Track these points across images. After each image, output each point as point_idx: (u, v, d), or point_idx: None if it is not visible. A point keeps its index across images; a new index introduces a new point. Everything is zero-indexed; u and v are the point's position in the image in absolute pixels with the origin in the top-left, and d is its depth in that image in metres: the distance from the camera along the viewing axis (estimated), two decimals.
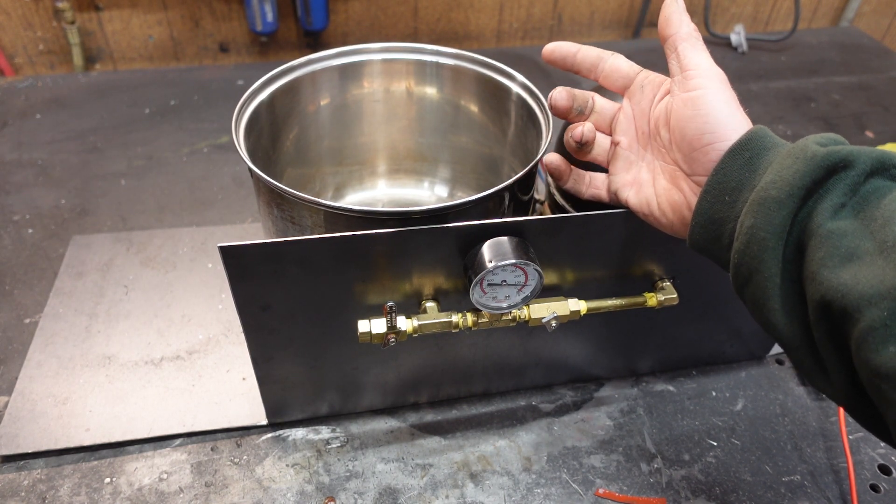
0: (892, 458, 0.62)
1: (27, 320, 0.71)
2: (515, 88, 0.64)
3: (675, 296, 0.56)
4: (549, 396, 0.66)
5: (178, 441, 0.60)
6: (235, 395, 0.63)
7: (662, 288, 0.57)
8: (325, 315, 0.52)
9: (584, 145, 0.50)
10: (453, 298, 0.53)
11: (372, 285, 0.50)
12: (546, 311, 0.53)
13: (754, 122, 0.42)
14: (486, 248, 0.48)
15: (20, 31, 1.22)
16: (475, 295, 0.49)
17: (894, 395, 0.31)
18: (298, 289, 0.49)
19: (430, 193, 0.79)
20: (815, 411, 0.66)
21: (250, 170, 0.52)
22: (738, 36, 1.32)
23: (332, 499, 0.57)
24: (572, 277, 0.55)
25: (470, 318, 0.52)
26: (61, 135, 0.99)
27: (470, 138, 0.73)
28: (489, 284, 0.49)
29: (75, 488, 0.56)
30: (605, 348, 0.64)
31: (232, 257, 0.45)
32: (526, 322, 0.53)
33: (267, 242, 0.45)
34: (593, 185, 0.53)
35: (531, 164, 0.53)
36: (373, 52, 0.68)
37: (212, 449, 0.60)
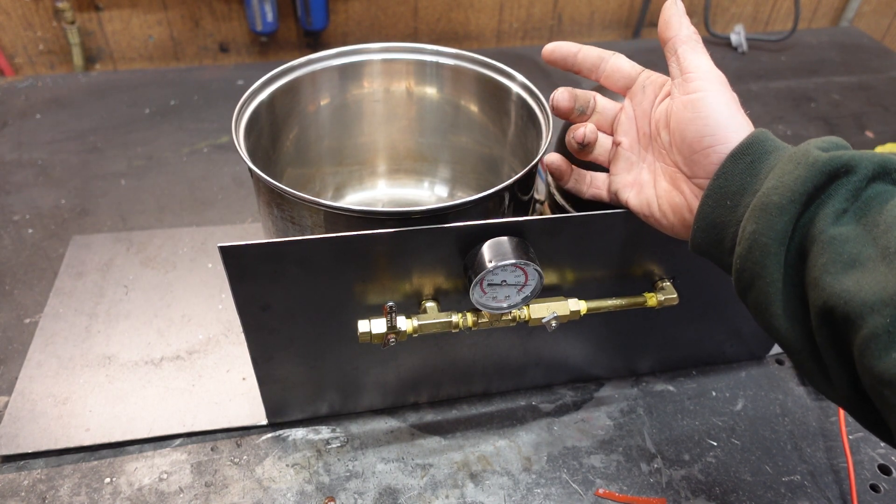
0: (892, 458, 0.62)
1: (27, 320, 0.71)
2: (515, 88, 0.64)
3: (675, 296, 0.56)
4: (549, 396, 0.66)
5: (178, 441, 0.60)
6: (235, 395, 0.63)
7: (662, 288, 0.57)
8: (325, 315, 0.52)
9: (586, 146, 0.50)
10: (453, 298, 0.53)
11: (372, 285, 0.50)
12: (546, 311, 0.53)
13: (754, 122, 0.42)
14: (486, 248, 0.48)
15: (20, 31, 1.22)
16: (475, 295, 0.49)
17: None
18: (298, 289, 0.49)
19: (430, 193, 0.79)
20: (815, 411, 0.66)
21: (250, 170, 0.52)
22: (738, 36, 1.32)
23: (332, 499, 0.57)
24: (572, 277, 0.55)
25: (470, 318, 0.52)
26: (61, 135, 0.99)
27: (470, 138, 0.73)
28: (489, 284, 0.49)
29: (75, 488, 0.56)
30: (605, 348, 0.64)
31: (232, 257, 0.45)
32: (526, 322, 0.53)
33: (267, 242, 0.45)
34: (594, 184, 0.53)
35: (531, 164, 0.53)
36: (373, 52, 0.68)
37: (212, 449, 0.60)
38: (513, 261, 0.47)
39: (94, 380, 0.64)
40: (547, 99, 0.52)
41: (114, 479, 0.57)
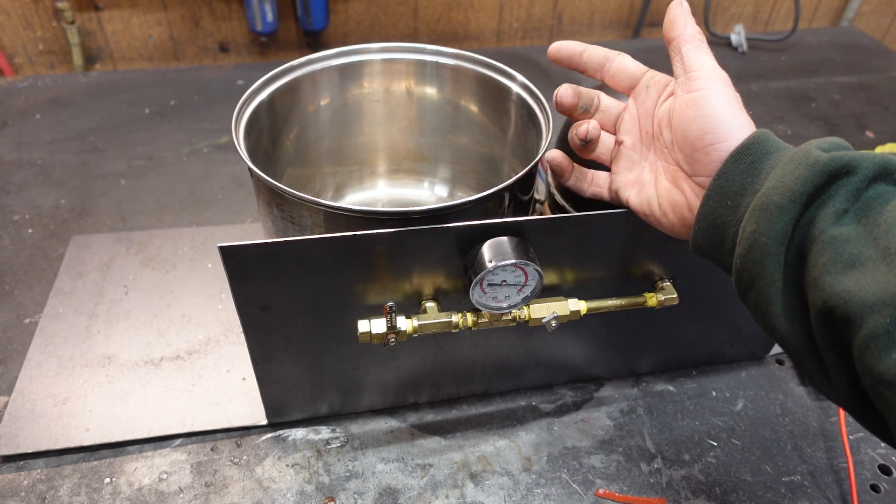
0: (893, 458, 0.62)
1: (27, 320, 0.71)
2: (515, 88, 0.64)
3: (675, 296, 0.56)
4: (549, 396, 0.66)
5: (178, 441, 0.60)
6: (235, 395, 0.63)
7: (662, 288, 0.57)
8: (325, 315, 0.52)
9: (589, 143, 0.50)
10: (453, 298, 0.53)
11: (372, 285, 0.50)
12: (546, 311, 0.53)
13: (754, 122, 0.42)
14: (486, 248, 0.48)
15: (20, 31, 1.22)
16: (475, 295, 0.49)
17: None
18: (298, 289, 0.49)
19: (430, 193, 0.79)
20: (816, 411, 0.66)
21: (250, 170, 0.52)
22: (738, 36, 1.32)
23: (332, 499, 0.57)
24: (572, 277, 0.55)
25: (470, 318, 0.52)
26: (61, 135, 0.99)
27: (470, 138, 0.73)
28: (489, 284, 0.49)
29: (75, 488, 0.56)
30: (605, 348, 0.64)
31: (232, 257, 0.45)
32: (526, 322, 0.53)
33: (267, 242, 0.45)
34: (595, 183, 0.53)
35: (531, 164, 0.53)
36: (373, 52, 0.68)
37: (212, 449, 0.60)
38: (513, 261, 0.47)
39: (94, 380, 0.64)
40: (547, 99, 0.52)
41: (114, 480, 0.57)
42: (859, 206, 0.36)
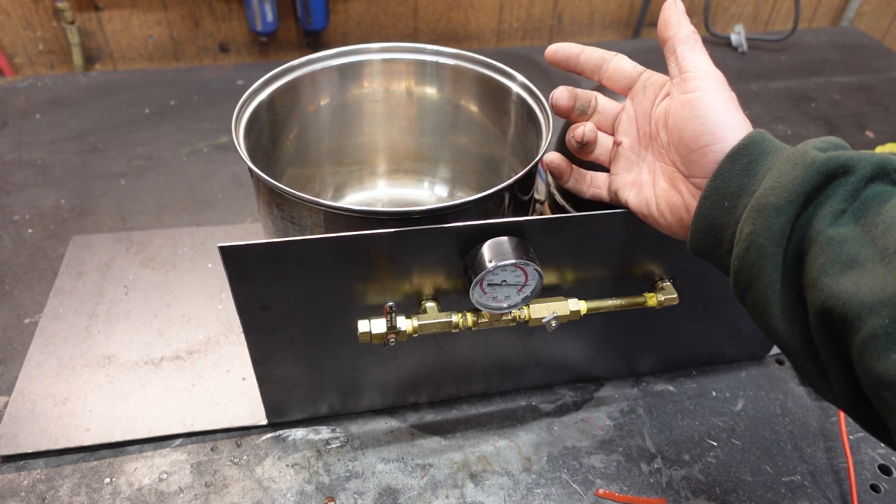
0: (893, 458, 0.62)
1: (27, 320, 0.71)
2: (515, 88, 0.64)
3: (675, 296, 0.56)
4: (549, 396, 0.66)
5: (177, 441, 0.60)
6: (235, 395, 0.63)
7: (662, 288, 0.57)
8: (325, 315, 0.52)
9: (585, 145, 0.50)
10: (453, 298, 0.53)
11: (372, 285, 0.50)
12: (546, 311, 0.53)
13: (754, 122, 0.42)
14: (486, 248, 0.48)
15: (20, 31, 1.22)
16: (475, 295, 0.49)
17: None
18: (298, 289, 0.49)
19: (430, 193, 0.79)
20: (816, 411, 0.66)
21: (250, 170, 0.52)
22: (738, 36, 1.32)
23: (332, 499, 0.57)
24: (572, 277, 0.55)
25: (470, 318, 0.52)
26: (61, 135, 0.99)
27: (470, 138, 0.73)
28: (489, 284, 0.49)
29: (75, 488, 0.56)
30: (605, 348, 0.64)
31: (232, 257, 0.45)
32: (526, 322, 0.53)
33: (267, 242, 0.45)
34: (594, 184, 0.53)
35: (531, 164, 0.53)
36: (373, 52, 0.68)
37: (212, 449, 0.60)
38: (513, 261, 0.47)
39: (93, 380, 0.64)
40: (547, 99, 0.52)
41: (114, 480, 0.57)
42: (857, 206, 0.36)
